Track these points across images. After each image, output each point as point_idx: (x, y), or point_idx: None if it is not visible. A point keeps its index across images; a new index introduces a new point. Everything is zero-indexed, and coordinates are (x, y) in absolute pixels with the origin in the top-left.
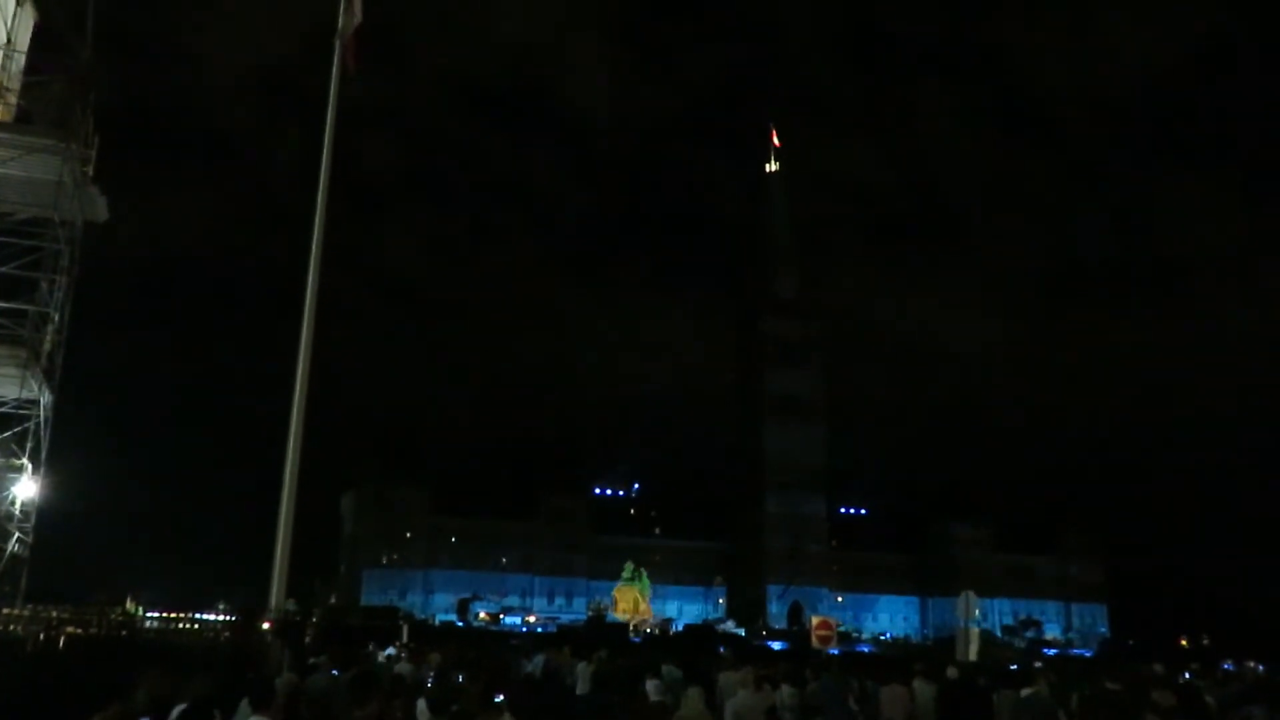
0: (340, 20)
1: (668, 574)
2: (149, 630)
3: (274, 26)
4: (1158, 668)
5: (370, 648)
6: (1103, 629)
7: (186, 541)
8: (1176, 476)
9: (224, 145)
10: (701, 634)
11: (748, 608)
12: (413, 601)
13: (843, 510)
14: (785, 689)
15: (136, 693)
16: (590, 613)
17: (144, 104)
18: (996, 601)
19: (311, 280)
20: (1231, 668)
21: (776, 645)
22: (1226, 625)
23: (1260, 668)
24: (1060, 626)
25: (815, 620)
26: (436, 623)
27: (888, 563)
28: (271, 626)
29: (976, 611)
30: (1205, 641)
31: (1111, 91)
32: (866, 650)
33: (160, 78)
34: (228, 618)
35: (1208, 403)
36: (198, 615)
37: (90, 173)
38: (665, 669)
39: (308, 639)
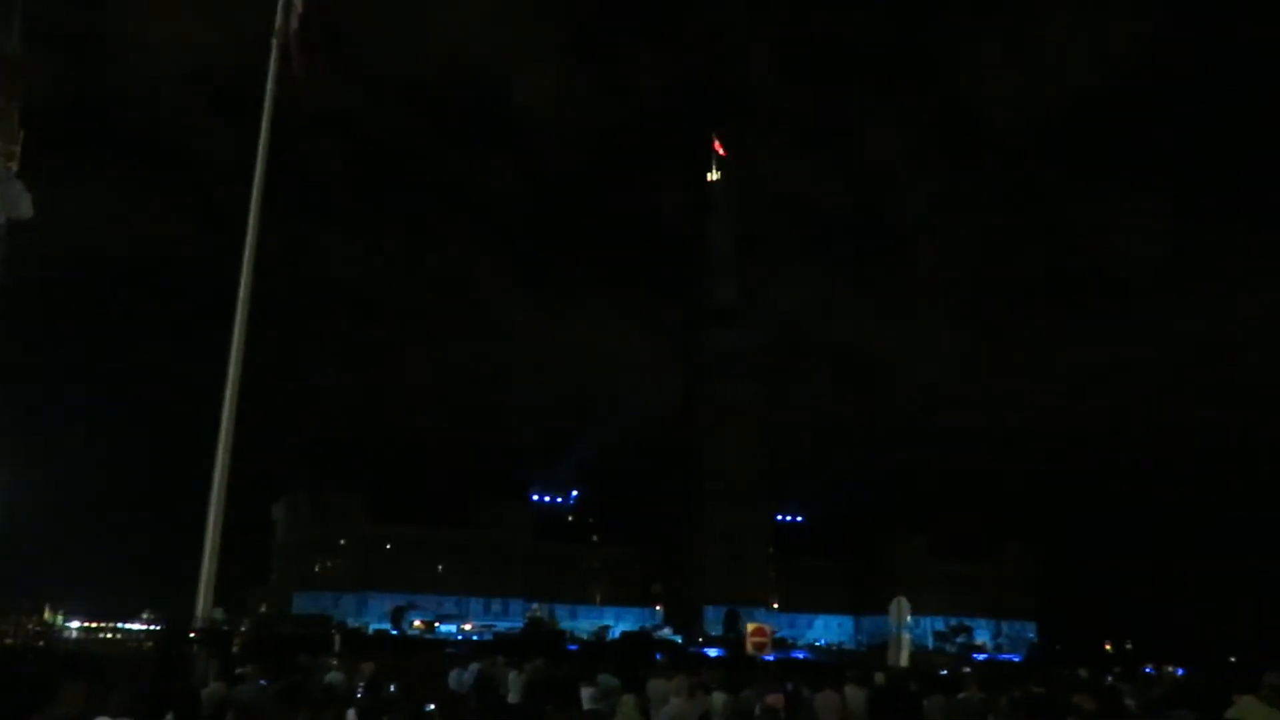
0: (279, 19)
1: (605, 581)
2: (68, 640)
3: (213, 23)
4: (1082, 672)
5: (301, 658)
6: (1031, 635)
7: (111, 549)
8: (1109, 486)
9: (160, 143)
10: (638, 641)
11: (685, 615)
12: (346, 610)
13: (782, 518)
14: (718, 696)
15: (53, 707)
16: (527, 620)
17: (77, 99)
18: (929, 618)
19: (245, 281)
20: (1152, 671)
21: (713, 652)
22: (1148, 631)
23: (1179, 671)
24: (990, 633)
25: (751, 627)
26: (370, 632)
27: (825, 570)
28: (197, 636)
29: (909, 618)
30: (1128, 646)
31: (1049, 107)
32: (802, 657)
33: (95, 72)
34: (152, 627)
35: (1146, 413)
36: (121, 625)
37: (15, 168)
38: (600, 677)
39: (235, 649)
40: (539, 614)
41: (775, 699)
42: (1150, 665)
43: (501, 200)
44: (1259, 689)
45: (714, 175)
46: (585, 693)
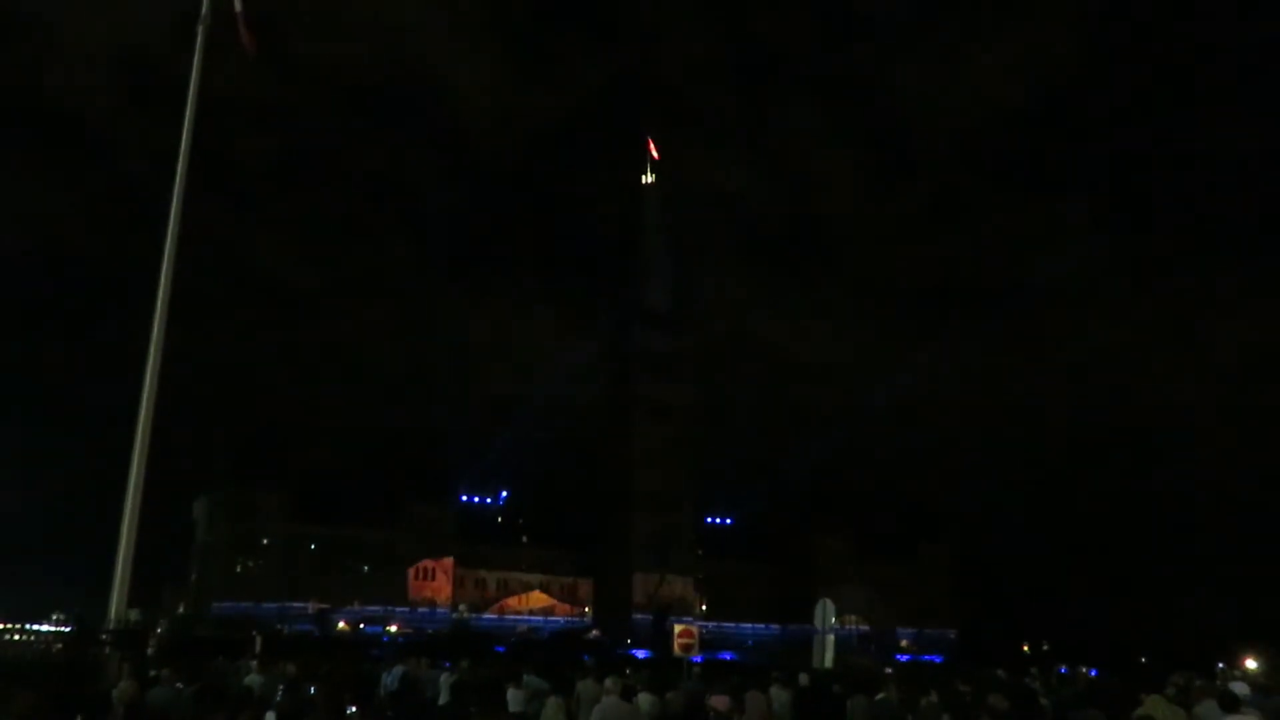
0: (204, 3)
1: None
2: None
3: (135, 6)
4: (1000, 672)
5: (219, 660)
6: (951, 636)
7: (20, 546)
8: (1025, 487)
9: (77, 128)
10: (567, 642)
11: (613, 617)
12: (268, 611)
13: (710, 520)
14: (644, 696)
15: None
16: (454, 622)
17: None
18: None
19: (165, 272)
20: (1066, 671)
21: (641, 654)
22: (1063, 633)
23: (1092, 672)
24: (913, 634)
25: (678, 628)
26: (293, 633)
27: (752, 572)
28: (109, 638)
29: (833, 619)
30: (1045, 648)
31: (972, 119)
32: (729, 658)
33: (6, 52)
34: (63, 629)
35: (1062, 416)
36: (29, 625)
37: None
38: (527, 678)
39: (150, 651)
40: (465, 615)
41: (719, 700)
42: (1065, 666)
43: (432, 196)
44: (1165, 688)
45: (648, 178)
46: (511, 694)
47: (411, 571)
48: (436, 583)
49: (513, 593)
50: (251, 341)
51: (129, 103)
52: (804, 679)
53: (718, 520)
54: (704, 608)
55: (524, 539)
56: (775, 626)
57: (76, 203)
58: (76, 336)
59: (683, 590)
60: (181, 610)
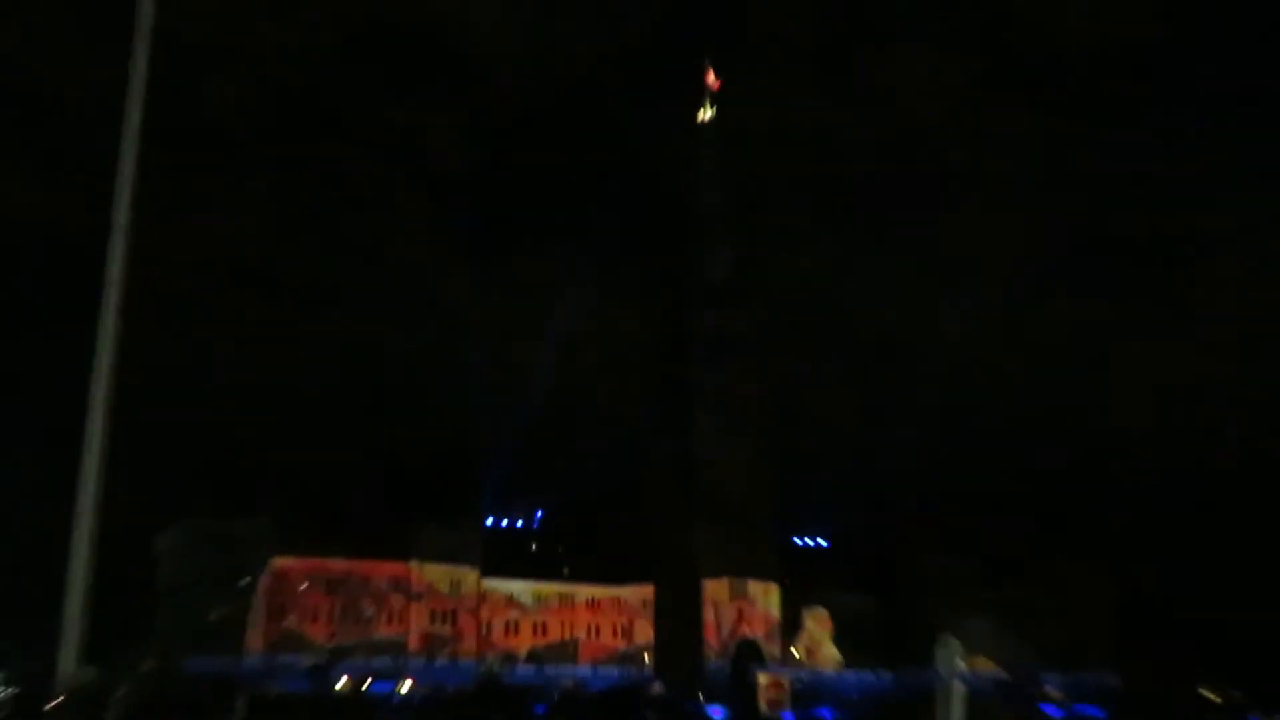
0: None
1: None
2: None
3: None
4: None
5: None
6: (1112, 682)
7: None
8: (1199, 497)
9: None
10: (622, 700)
11: (680, 666)
12: (252, 666)
13: (800, 541)
14: None
15: None
16: (481, 676)
17: None
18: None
19: (117, 252)
20: None
21: (717, 714)
22: (1260, 676)
23: None
24: (1063, 680)
25: (763, 679)
26: (283, 693)
27: (851, 605)
28: (59, 704)
29: (961, 664)
30: (1234, 693)
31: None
32: (828, 716)
33: None
34: (5, 690)
35: (1226, 400)
36: None
37: None
38: None
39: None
40: (494, 668)
41: None
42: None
43: (443, 154)
44: None
45: (706, 113)
46: None
47: (427, 613)
48: (459, 626)
49: (552, 637)
50: (229, 335)
51: (68, 44)
52: None
53: (807, 540)
54: (794, 651)
55: (565, 570)
56: (885, 673)
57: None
58: (13, 333)
59: (765, 628)
60: (147, 667)
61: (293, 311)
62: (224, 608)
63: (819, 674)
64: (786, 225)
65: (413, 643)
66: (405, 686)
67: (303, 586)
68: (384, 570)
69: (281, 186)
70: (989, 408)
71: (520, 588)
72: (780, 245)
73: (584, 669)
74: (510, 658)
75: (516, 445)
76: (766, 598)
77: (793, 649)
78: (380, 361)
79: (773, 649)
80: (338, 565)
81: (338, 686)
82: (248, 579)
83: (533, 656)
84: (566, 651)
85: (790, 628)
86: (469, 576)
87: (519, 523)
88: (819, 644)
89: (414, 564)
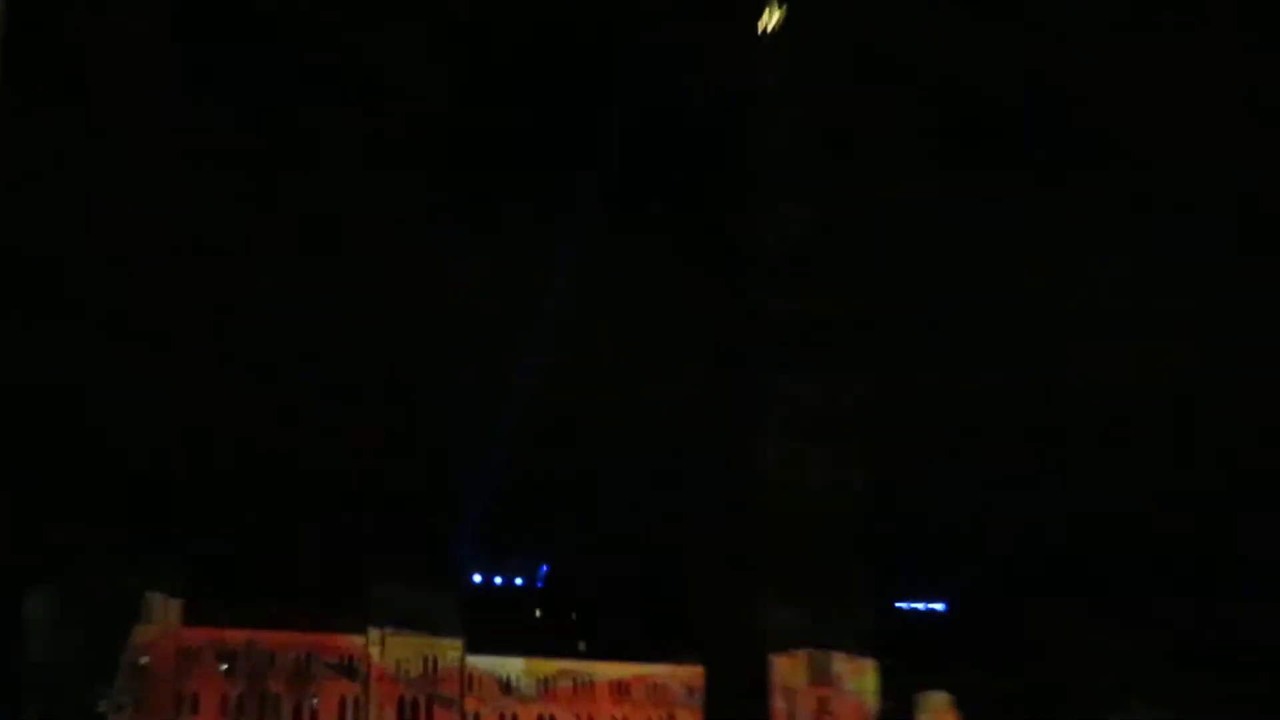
0: None
1: None
2: None
3: None
4: None
5: None
6: None
7: None
8: None
9: None
10: None
11: None
12: None
13: (906, 606)
14: None
15: None
16: None
17: None
18: None
19: None
20: None
21: None
22: None
23: None
24: None
25: None
26: None
27: (981, 688)
28: None
29: None
30: None
31: None
32: None
33: None
34: None
35: None
36: None
37: None
38: None
39: None
40: None
41: None
42: None
43: (423, 90)
44: None
45: (771, 22)
46: None
47: (392, 702)
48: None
49: None
50: (126, 330)
51: None
52: None
53: (919, 606)
54: None
55: (579, 644)
56: None
57: None
58: None
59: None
60: None
61: (222, 295)
62: (114, 694)
63: None
64: (885, 175)
65: None
66: None
67: (219, 667)
68: (331, 645)
69: (212, 135)
70: (1179, 431)
71: (518, 668)
72: (876, 203)
73: None
74: None
75: (511, 472)
76: (859, 679)
77: None
78: (335, 358)
79: None
80: (265, 637)
81: None
82: (144, 659)
83: None
84: None
85: None
86: (449, 652)
87: (516, 579)
88: None
89: (372, 635)
